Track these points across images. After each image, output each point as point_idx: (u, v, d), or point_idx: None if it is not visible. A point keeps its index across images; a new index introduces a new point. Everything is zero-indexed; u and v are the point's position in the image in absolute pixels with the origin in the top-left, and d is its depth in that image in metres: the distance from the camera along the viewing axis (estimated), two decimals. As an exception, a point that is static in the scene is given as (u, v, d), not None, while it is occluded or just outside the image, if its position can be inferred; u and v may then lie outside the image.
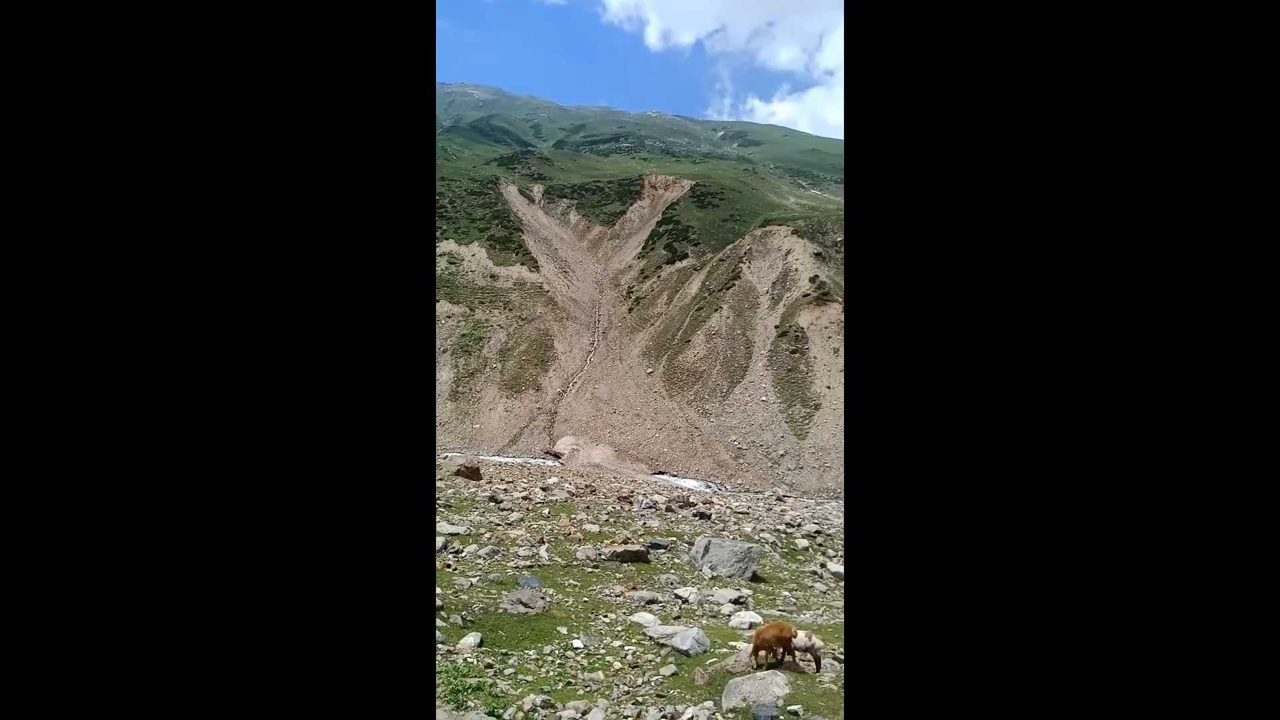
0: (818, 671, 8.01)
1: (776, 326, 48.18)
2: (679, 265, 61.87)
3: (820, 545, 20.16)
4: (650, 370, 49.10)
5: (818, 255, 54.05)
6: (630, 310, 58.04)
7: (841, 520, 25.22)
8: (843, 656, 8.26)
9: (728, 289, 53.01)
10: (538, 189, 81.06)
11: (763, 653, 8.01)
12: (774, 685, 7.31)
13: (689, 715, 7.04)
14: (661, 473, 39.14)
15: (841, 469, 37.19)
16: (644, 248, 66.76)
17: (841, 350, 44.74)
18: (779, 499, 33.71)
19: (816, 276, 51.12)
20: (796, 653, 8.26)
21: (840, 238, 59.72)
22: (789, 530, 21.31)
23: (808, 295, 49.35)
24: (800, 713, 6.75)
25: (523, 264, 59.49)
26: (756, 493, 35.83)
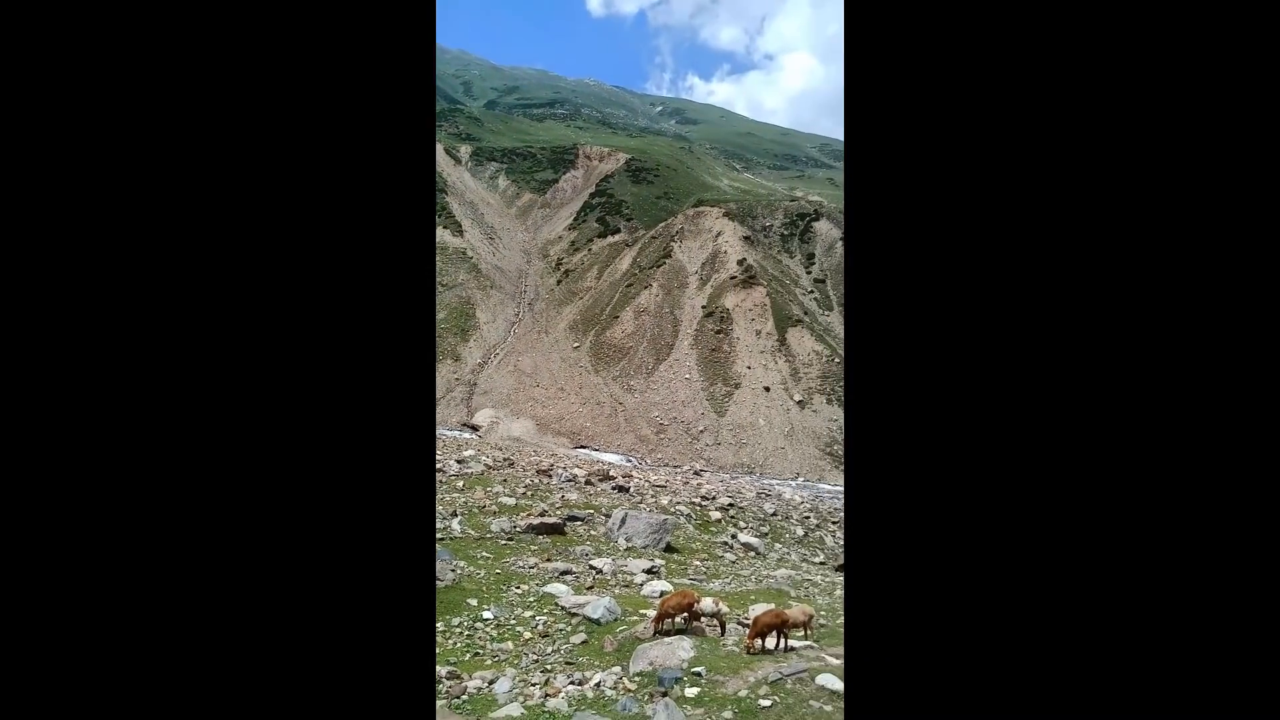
0: (722, 635, 8.35)
1: (704, 307, 49.04)
2: (611, 240, 61.28)
3: (732, 517, 21.00)
4: (577, 345, 48.71)
5: (746, 239, 55.30)
6: (559, 283, 57.06)
7: (754, 493, 26.35)
8: (748, 621, 8.65)
9: (658, 267, 53.22)
10: (465, 150, 77.33)
11: (666, 620, 8.23)
12: (680, 649, 7.54)
13: (596, 680, 7.13)
14: (583, 447, 39.21)
15: (756, 445, 38.80)
16: (576, 219, 65.59)
17: (762, 332, 46.33)
18: (696, 473, 34.74)
19: (744, 260, 52.34)
20: (703, 618, 8.56)
21: (769, 222, 61.40)
22: (704, 503, 22.02)
23: (735, 278, 50.51)
24: (704, 673, 7.02)
25: (445, 227, 56.81)
26: (675, 467, 36.73)
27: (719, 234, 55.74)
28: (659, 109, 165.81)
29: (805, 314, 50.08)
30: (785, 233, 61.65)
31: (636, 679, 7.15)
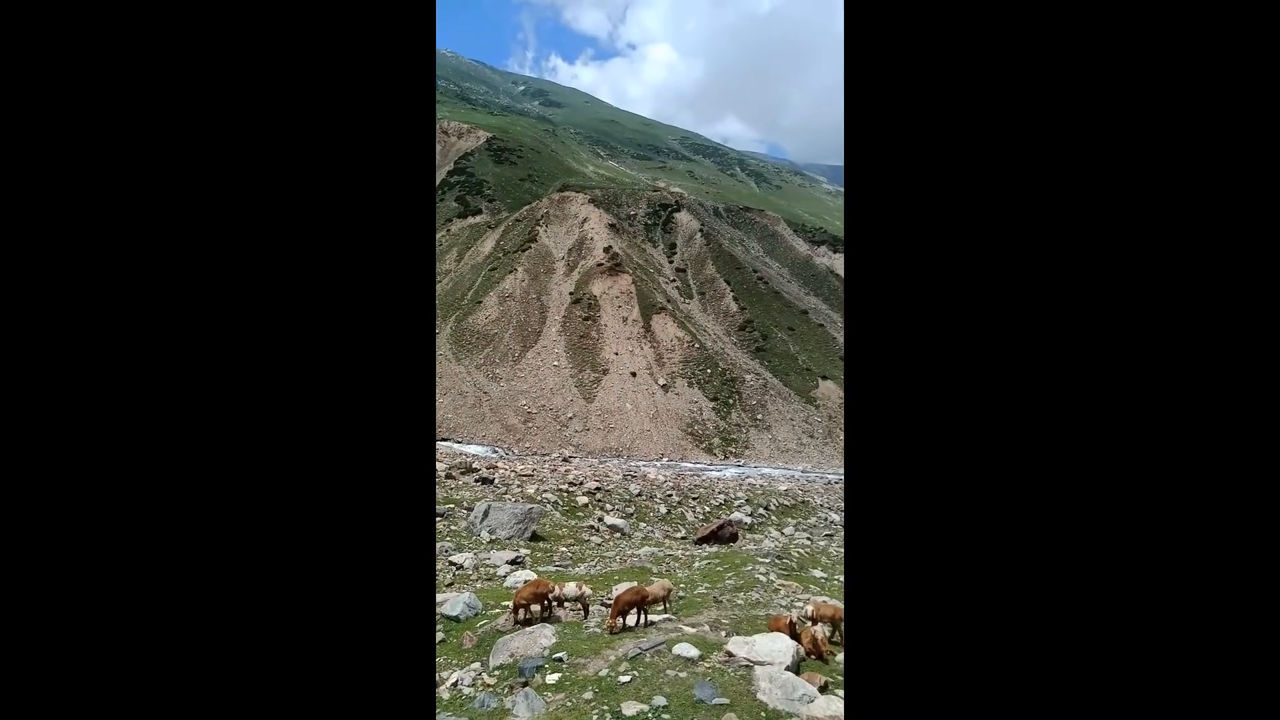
0: (585, 618, 8.43)
1: (571, 293, 48.79)
2: (471, 221, 58.44)
3: (599, 501, 21.29)
4: (436, 331, 46.03)
5: (612, 227, 55.79)
6: (415, 265, 53.15)
7: (620, 475, 26.93)
8: (609, 601, 8.82)
9: (523, 251, 51.84)
10: (302, 113, 68.63)
11: (521, 610, 8.15)
12: (541, 637, 7.49)
13: (453, 679, 6.85)
14: (445, 440, 37.32)
15: (623, 429, 39.69)
16: (433, 198, 61.46)
17: (629, 319, 47.28)
18: (565, 460, 34.70)
19: (611, 247, 52.82)
20: (566, 604, 8.57)
21: (633, 211, 62.51)
22: (571, 489, 22.07)
23: (601, 265, 50.82)
24: (565, 658, 7.04)
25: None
26: (543, 455, 36.37)
27: (585, 220, 55.64)
28: (522, 88, 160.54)
29: (668, 302, 51.94)
30: (649, 222, 63.20)
31: (497, 672, 6.98)
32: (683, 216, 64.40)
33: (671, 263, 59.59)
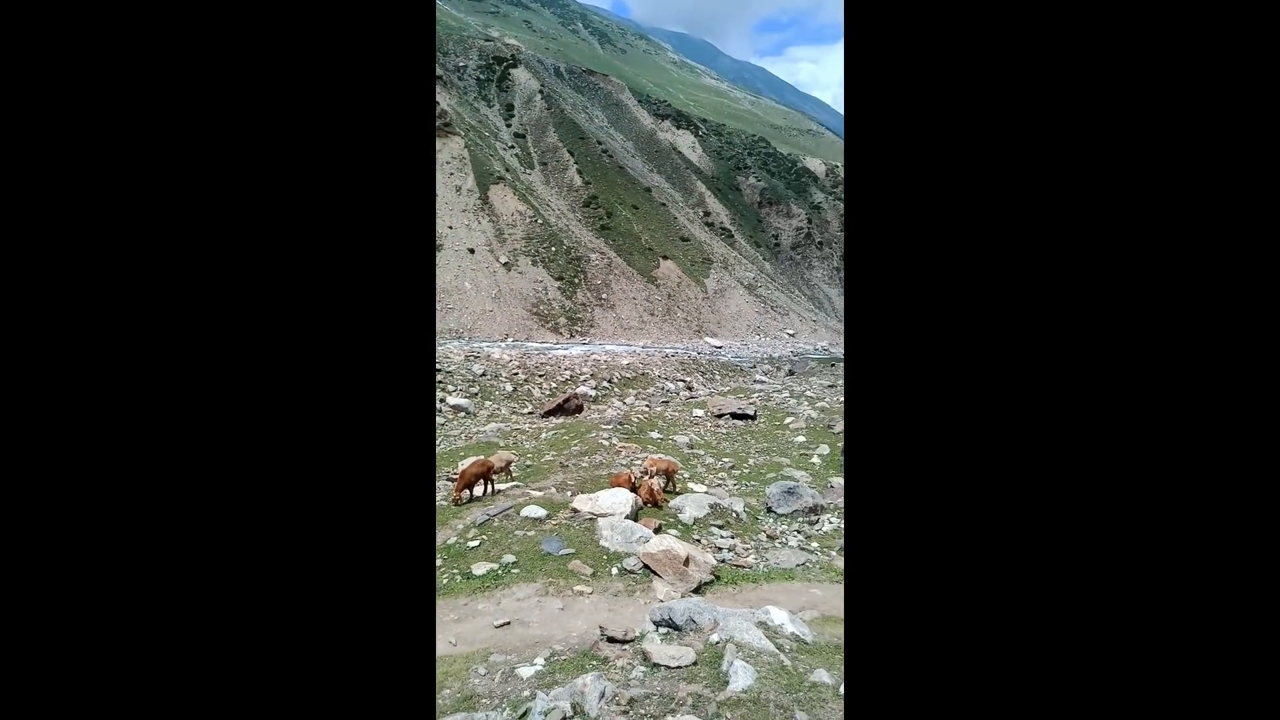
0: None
1: (392, 156, 42.80)
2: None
3: (440, 382, 20.63)
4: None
5: (439, 79, 48.77)
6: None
7: (462, 356, 26.15)
8: (454, 476, 8.82)
9: (328, 101, 43.53)
10: None
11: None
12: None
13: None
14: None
15: (463, 309, 37.92)
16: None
17: (463, 189, 43.31)
18: (400, 343, 32.53)
19: (438, 103, 46.52)
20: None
21: (463, 63, 54.89)
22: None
23: (428, 124, 44.85)
24: (411, 534, 7.04)
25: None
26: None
27: (405, 68, 47.69)
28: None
29: (507, 171, 48.35)
30: (481, 77, 56.34)
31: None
32: (520, 74, 58.37)
33: (509, 127, 54.71)
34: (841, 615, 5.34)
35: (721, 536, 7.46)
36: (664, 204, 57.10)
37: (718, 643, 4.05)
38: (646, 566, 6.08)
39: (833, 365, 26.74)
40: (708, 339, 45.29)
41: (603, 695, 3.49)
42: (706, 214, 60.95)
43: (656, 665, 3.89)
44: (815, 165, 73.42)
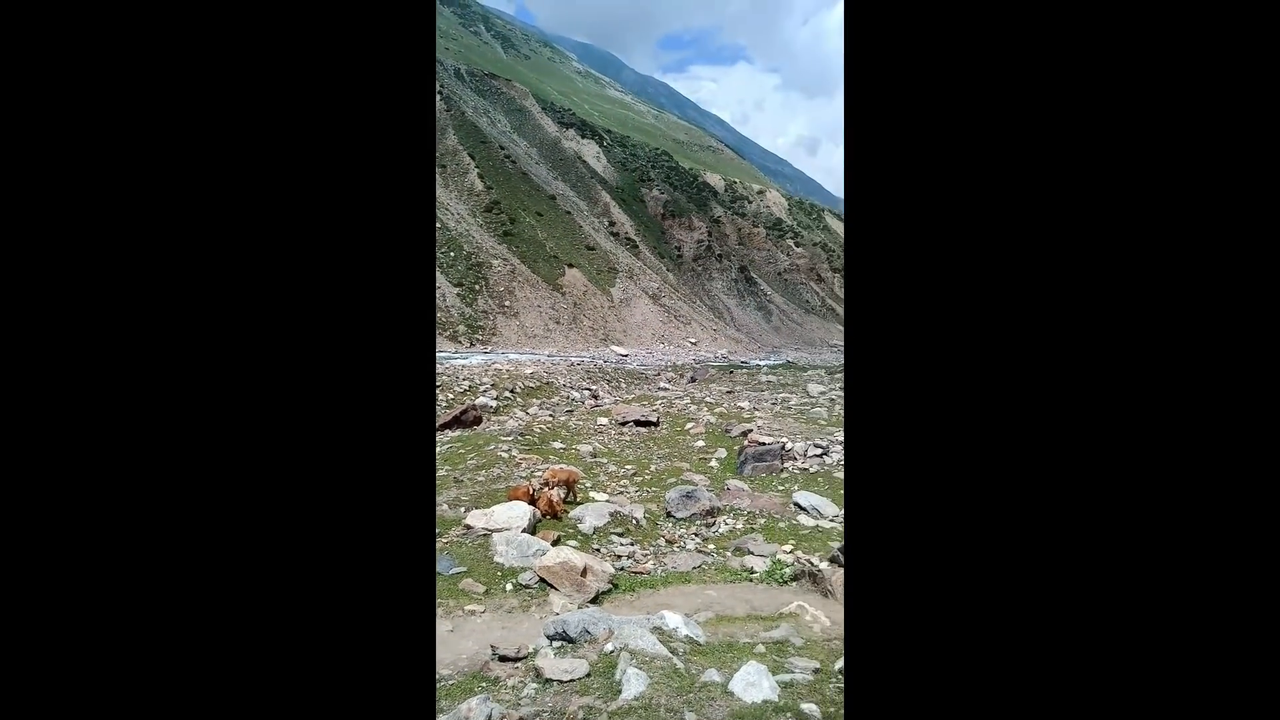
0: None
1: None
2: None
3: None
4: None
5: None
6: None
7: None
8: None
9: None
10: None
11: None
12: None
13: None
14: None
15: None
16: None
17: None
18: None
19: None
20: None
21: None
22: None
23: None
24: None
25: None
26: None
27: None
28: None
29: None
30: (375, 72, 53.28)
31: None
32: (418, 72, 55.91)
33: None
34: (734, 613, 5.51)
35: (621, 544, 7.46)
36: (569, 212, 56.97)
37: (612, 652, 4.01)
38: (543, 580, 5.94)
39: (730, 372, 27.88)
40: (614, 347, 45.58)
41: (489, 718, 3.34)
42: (612, 224, 61.53)
43: (549, 681, 3.78)
44: (715, 180, 76.54)
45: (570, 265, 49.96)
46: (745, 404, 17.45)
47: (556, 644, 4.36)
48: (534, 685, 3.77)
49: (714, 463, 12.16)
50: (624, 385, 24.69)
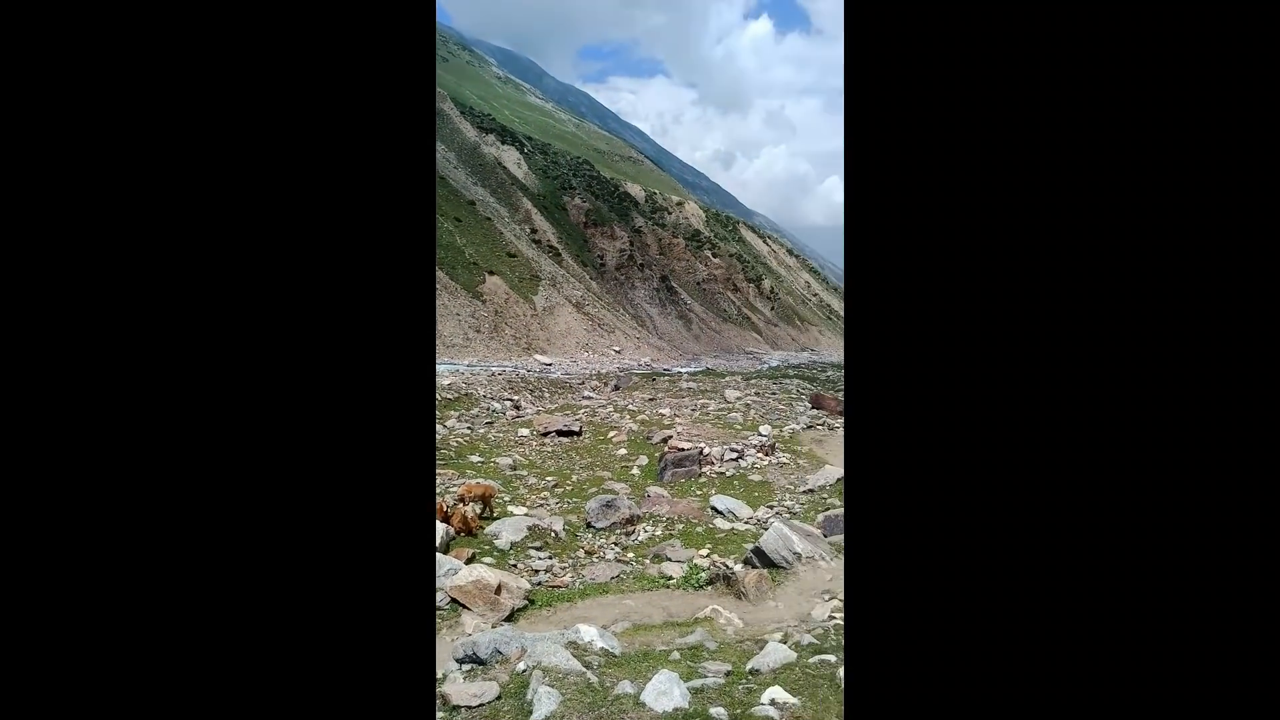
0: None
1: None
2: None
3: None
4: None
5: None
6: None
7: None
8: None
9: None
10: None
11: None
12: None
13: None
14: None
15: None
16: None
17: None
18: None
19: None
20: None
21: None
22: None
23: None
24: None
25: None
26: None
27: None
28: None
29: (307, 172, 43.17)
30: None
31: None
32: (323, 68, 52.81)
33: (309, 125, 48.98)
34: (651, 621, 5.54)
35: (539, 558, 7.32)
36: (489, 218, 55.71)
37: (524, 671, 3.91)
38: (455, 600, 5.72)
39: (653, 379, 28.22)
40: (537, 356, 44.88)
41: (389, 755, 3.14)
42: (534, 231, 60.79)
43: (457, 708, 3.63)
44: (636, 191, 77.53)
45: (491, 272, 48.76)
46: (666, 411, 17.71)
47: (466, 667, 4.20)
48: (440, 714, 3.61)
49: (635, 470, 12.23)
50: (547, 395, 24.36)
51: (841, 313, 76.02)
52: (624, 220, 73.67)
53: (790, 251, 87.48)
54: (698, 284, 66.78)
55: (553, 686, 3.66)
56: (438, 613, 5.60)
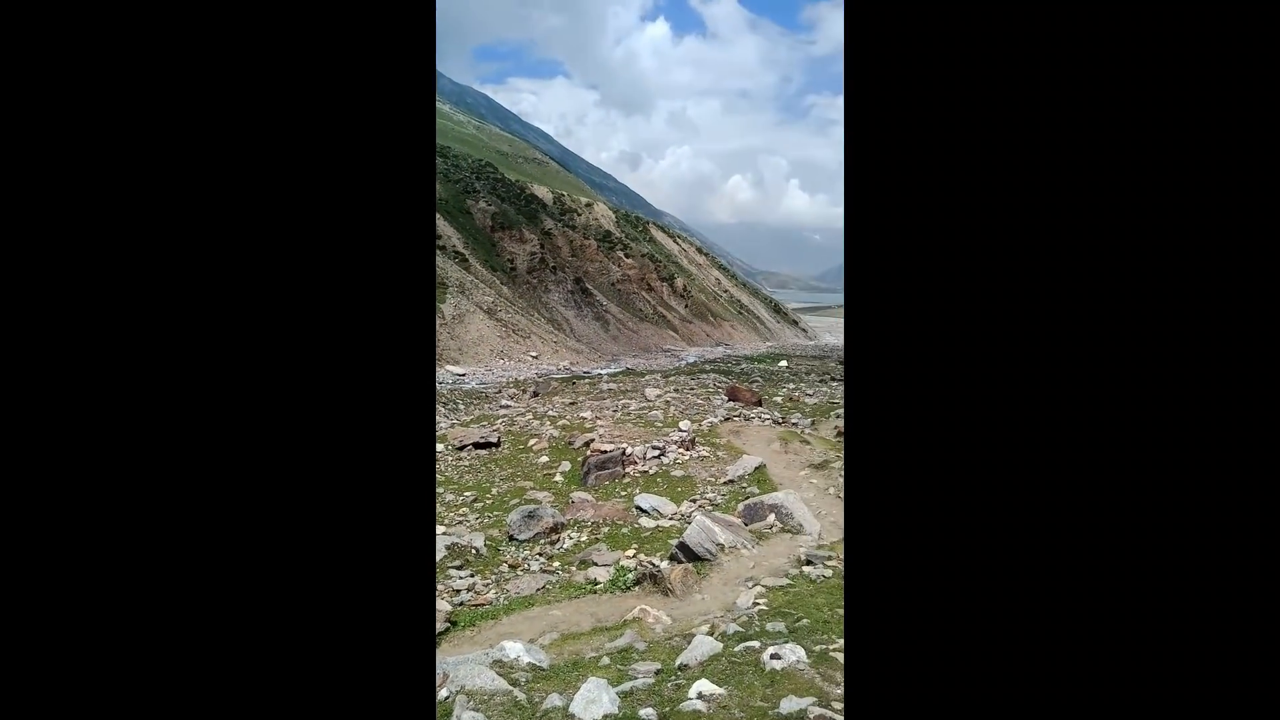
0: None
1: None
2: None
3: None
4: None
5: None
6: None
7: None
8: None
9: None
10: None
11: None
12: None
13: None
14: None
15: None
16: None
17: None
18: None
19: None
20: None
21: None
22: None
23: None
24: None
25: None
26: None
27: None
28: None
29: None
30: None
31: None
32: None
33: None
34: (579, 629, 5.48)
35: (460, 578, 7.04)
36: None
37: (447, 697, 3.73)
38: (369, 634, 5.35)
39: (573, 383, 28.00)
40: (449, 367, 43.17)
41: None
42: (438, 237, 58.44)
43: (374, 749, 3.40)
44: (543, 193, 76.61)
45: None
46: (588, 414, 17.61)
47: (383, 704, 3.94)
48: (356, 758, 3.36)
49: (558, 477, 12.06)
50: (462, 406, 23.49)
51: (750, 307, 79.00)
52: (533, 223, 72.55)
53: (700, 250, 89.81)
54: (612, 285, 67.06)
55: (478, 710, 3.52)
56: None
